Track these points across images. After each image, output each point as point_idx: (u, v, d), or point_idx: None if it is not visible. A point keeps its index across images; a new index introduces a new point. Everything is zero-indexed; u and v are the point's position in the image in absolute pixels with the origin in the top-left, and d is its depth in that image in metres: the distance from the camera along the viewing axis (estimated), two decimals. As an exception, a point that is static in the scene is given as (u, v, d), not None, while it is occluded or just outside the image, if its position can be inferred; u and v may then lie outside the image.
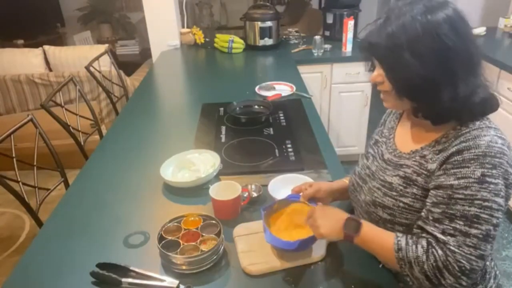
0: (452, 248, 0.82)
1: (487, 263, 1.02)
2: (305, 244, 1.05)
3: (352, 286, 0.99)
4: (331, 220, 0.98)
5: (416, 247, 0.86)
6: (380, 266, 1.04)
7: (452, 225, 0.83)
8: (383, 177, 1.01)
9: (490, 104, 0.91)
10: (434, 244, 0.85)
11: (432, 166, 0.91)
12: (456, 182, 0.85)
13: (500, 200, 0.83)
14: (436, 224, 0.86)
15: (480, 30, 3.08)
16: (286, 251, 1.06)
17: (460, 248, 0.82)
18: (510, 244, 2.45)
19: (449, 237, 0.83)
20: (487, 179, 0.82)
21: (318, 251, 1.08)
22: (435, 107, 0.89)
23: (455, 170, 0.85)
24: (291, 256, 1.06)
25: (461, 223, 0.82)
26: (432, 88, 0.87)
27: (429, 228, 0.87)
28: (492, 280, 1.04)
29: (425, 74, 0.85)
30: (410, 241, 0.87)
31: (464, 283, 0.82)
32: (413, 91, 0.90)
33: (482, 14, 3.61)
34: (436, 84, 0.86)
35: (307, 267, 1.05)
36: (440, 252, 0.83)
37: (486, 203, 0.82)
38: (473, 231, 0.81)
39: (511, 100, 2.39)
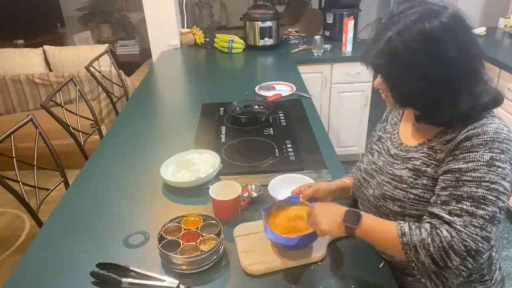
0: (458, 227, 0.82)
1: (493, 253, 1.03)
2: (305, 241, 1.05)
3: (352, 286, 0.99)
4: (330, 215, 0.97)
5: (420, 231, 0.86)
6: (380, 266, 1.04)
7: (459, 205, 0.84)
8: (392, 171, 1.02)
9: (495, 102, 0.91)
10: (438, 226, 0.84)
11: (441, 155, 0.92)
12: (464, 165, 0.85)
13: (507, 184, 0.84)
14: (443, 206, 0.86)
15: (480, 30, 3.08)
16: (286, 248, 1.06)
17: (466, 228, 0.81)
18: (510, 244, 2.45)
19: (455, 217, 0.83)
20: (496, 163, 0.83)
21: (318, 251, 1.08)
22: (439, 115, 0.90)
23: (464, 155, 0.86)
24: (292, 256, 1.06)
25: (468, 204, 0.83)
26: (435, 101, 0.89)
27: (436, 210, 0.87)
28: (497, 272, 1.05)
29: (428, 90, 0.87)
30: (413, 226, 0.88)
31: (469, 265, 0.81)
32: (416, 104, 0.93)
33: (482, 14, 3.61)
34: (439, 98, 0.88)
35: (307, 267, 1.05)
36: (445, 233, 0.82)
37: (493, 185, 0.82)
38: (480, 212, 0.82)
39: (511, 100, 2.39)
